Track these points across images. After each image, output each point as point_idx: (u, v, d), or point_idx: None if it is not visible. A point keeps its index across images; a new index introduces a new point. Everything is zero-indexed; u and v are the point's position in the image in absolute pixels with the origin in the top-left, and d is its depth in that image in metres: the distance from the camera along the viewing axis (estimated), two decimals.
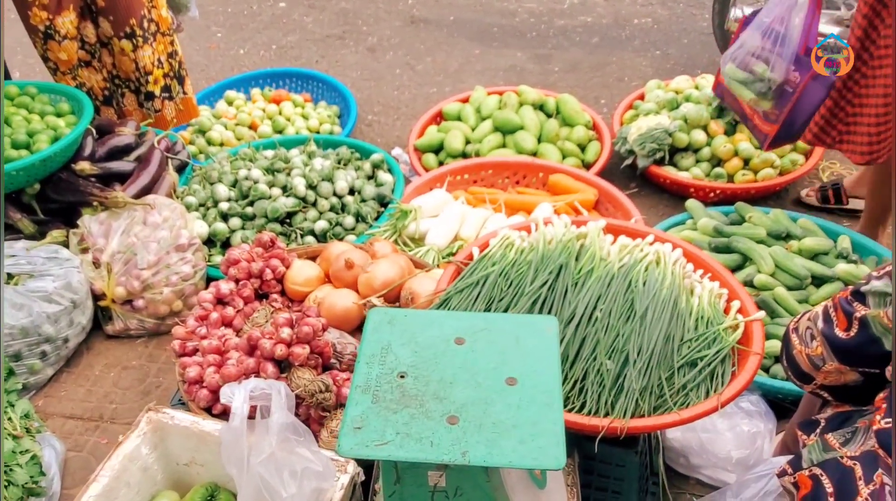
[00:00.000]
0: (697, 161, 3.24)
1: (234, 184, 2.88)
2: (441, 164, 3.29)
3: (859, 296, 1.37)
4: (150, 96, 3.07)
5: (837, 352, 1.43)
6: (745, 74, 2.77)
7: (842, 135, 2.56)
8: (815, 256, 2.49)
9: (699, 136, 3.21)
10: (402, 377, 1.35)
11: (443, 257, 2.50)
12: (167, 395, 2.42)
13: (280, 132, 3.55)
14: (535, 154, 3.23)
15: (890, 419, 1.28)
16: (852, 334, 1.39)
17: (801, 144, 3.17)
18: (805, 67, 2.57)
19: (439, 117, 3.54)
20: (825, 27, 3.46)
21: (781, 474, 1.45)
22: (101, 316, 2.64)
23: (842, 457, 1.34)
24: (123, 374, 2.53)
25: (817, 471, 1.36)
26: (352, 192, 2.86)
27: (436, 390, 1.32)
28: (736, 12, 3.55)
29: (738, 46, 2.82)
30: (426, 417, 1.28)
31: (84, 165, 2.73)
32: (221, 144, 3.48)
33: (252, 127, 3.60)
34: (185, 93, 3.22)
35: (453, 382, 1.34)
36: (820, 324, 1.46)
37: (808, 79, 2.56)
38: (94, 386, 2.49)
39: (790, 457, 1.51)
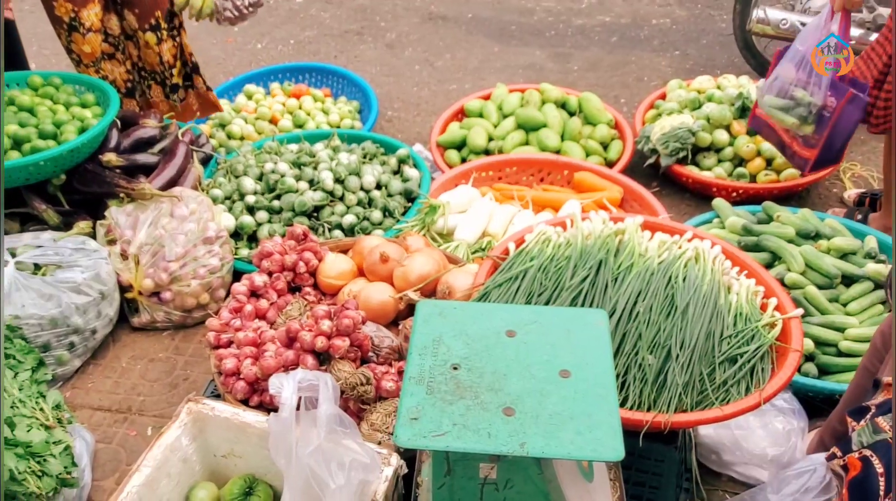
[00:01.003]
0: (720, 161, 3.24)
1: (260, 177, 2.88)
2: (463, 160, 3.29)
3: None
4: (175, 88, 3.07)
5: None
6: (786, 100, 2.80)
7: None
8: (843, 255, 2.49)
9: (722, 135, 3.21)
10: (455, 368, 1.35)
11: (472, 253, 2.50)
12: (194, 388, 2.42)
13: (300, 127, 3.55)
14: (558, 152, 3.23)
15: None
16: None
17: None
18: (841, 92, 2.61)
19: (461, 114, 3.54)
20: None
21: (831, 458, 1.46)
22: (127, 308, 2.64)
23: (892, 438, 1.35)
24: (150, 366, 2.52)
25: (867, 453, 1.37)
26: (378, 187, 2.85)
27: (490, 381, 1.32)
28: (758, 13, 3.55)
29: (774, 79, 2.86)
30: (482, 408, 1.28)
31: (111, 157, 2.73)
32: (242, 138, 3.47)
33: (272, 121, 3.59)
34: (206, 86, 3.22)
35: (507, 374, 1.34)
36: None
37: (843, 103, 2.60)
38: (121, 378, 2.49)
39: (832, 451, 1.51)
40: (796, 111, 2.77)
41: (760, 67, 3.77)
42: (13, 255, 2.41)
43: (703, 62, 4.13)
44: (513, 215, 2.71)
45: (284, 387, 1.46)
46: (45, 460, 1.98)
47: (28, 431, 2.00)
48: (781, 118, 2.84)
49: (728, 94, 3.30)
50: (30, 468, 1.95)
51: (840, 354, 2.27)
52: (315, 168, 2.83)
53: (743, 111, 3.24)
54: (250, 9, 2.98)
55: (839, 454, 1.45)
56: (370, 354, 1.88)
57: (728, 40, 3.97)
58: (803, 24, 3.51)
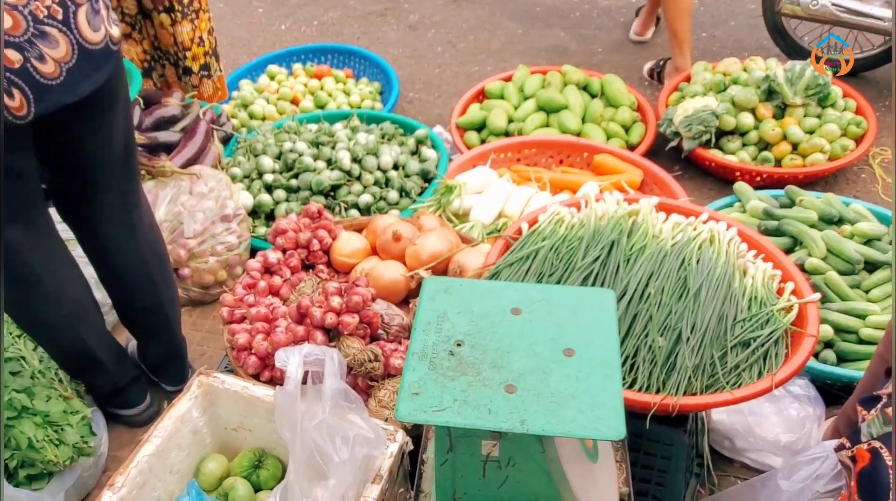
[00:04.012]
0: (744, 145, 3.18)
1: (279, 156, 2.89)
2: (483, 142, 3.27)
3: None
4: (187, 71, 3.07)
5: None
6: None
7: None
8: (868, 241, 2.43)
9: (747, 119, 3.15)
10: (458, 345, 1.34)
11: (487, 234, 2.49)
12: (212, 363, 2.45)
13: (322, 107, 3.55)
14: (578, 134, 3.19)
15: None
16: None
17: (853, 129, 3.11)
18: None
19: (482, 96, 3.52)
20: (878, 10, 3.37)
21: (839, 448, 1.44)
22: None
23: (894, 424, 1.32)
24: None
25: (877, 444, 1.34)
26: (396, 167, 2.85)
27: (493, 359, 1.32)
28: None
29: None
30: (483, 385, 1.27)
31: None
32: (264, 118, 3.49)
33: (294, 102, 3.60)
34: (220, 70, 3.23)
35: (510, 351, 1.33)
36: None
37: None
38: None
39: (841, 441, 1.49)
40: None
41: (790, 49, 3.69)
42: None
43: (730, 44, 4.06)
44: (530, 197, 2.69)
45: (290, 361, 1.47)
46: (62, 429, 2.03)
47: (47, 401, 2.04)
48: None
49: (755, 76, 3.23)
50: (48, 436, 1.99)
51: (861, 341, 2.23)
52: (333, 148, 2.84)
53: (770, 94, 3.18)
54: None
55: (848, 444, 1.42)
56: (380, 331, 1.88)
57: (757, 22, 3.88)
58: (835, 5, 3.43)
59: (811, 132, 3.12)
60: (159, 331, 2.23)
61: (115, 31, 1.65)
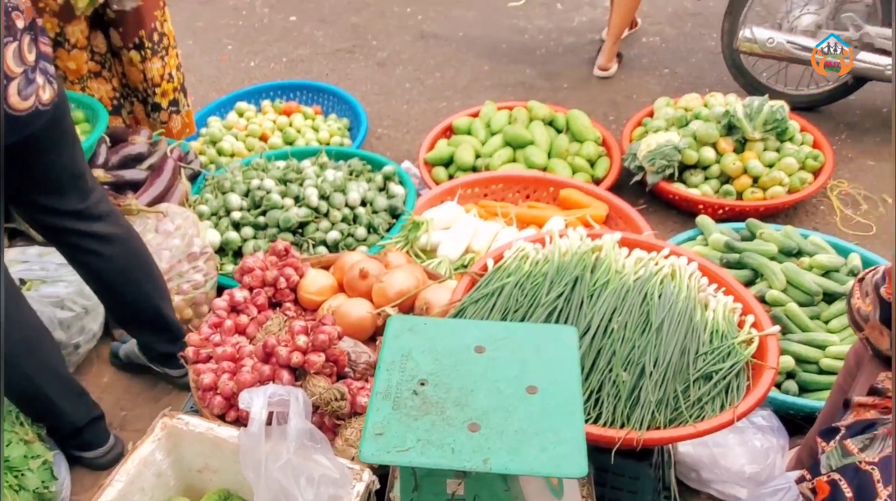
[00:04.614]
0: (706, 178, 3.25)
1: (247, 194, 2.90)
2: (451, 177, 3.30)
3: None
4: (156, 107, 3.07)
5: (881, 310, 1.47)
6: None
7: None
8: (826, 273, 2.49)
9: (708, 153, 3.22)
10: (422, 384, 1.35)
11: (454, 270, 2.51)
12: (178, 402, 2.42)
13: (291, 144, 3.57)
14: (545, 169, 3.24)
15: None
16: None
17: (810, 162, 3.19)
18: None
19: (449, 131, 3.56)
20: None
21: (800, 480, 1.46)
22: (111, 323, 2.64)
23: (860, 462, 1.35)
24: (134, 381, 2.53)
25: (836, 476, 1.37)
26: (364, 203, 2.87)
27: (457, 397, 1.33)
28: (745, 32, 3.58)
29: None
30: (447, 424, 1.28)
31: (98, 173, 2.74)
32: (232, 155, 3.49)
33: (263, 138, 3.61)
34: (189, 105, 3.23)
35: (474, 389, 1.34)
36: (877, 279, 1.49)
37: None
38: (105, 393, 2.49)
39: (802, 473, 1.51)
40: None
41: (749, 85, 3.79)
42: None
43: (691, 80, 4.16)
44: (497, 232, 2.71)
45: (254, 402, 1.46)
46: (22, 474, 1.99)
47: (7, 445, 2.00)
48: None
49: (715, 112, 3.32)
50: (7, 482, 1.95)
51: (821, 371, 2.27)
52: (301, 185, 2.85)
53: (730, 129, 3.26)
54: None
55: (808, 476, 1.44)
56: (347, 369, 1.88)
57: (717, 59, 3.99)
58: (790, 43, 3.53)
59: (771, 166, 3.20)
60: (153, 323, 2.27)
61: (47, 95, 1.74)
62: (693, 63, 4.35)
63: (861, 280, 1.55)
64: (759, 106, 3.21)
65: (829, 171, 3.21)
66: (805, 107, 3.74)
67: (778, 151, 3.24)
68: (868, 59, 3.43)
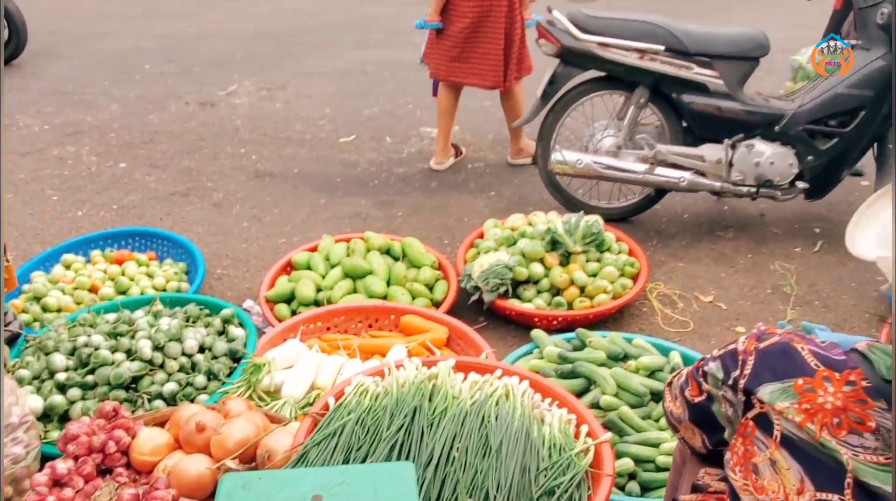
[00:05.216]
0: (538, 292, 3.44)
1: (73, 352, 2.74)
2: (294, 313, 3.30)
3: (703, 374, 1.50)
4: None
5: (689, 411, 1.55)
6: None
7: None
8: (651, 373, 2.67)
9: (537, 268, 3.42)
10: None
11: (300, 409, 2.47)
12: None
13: (124, 293, 3.44)
14: (385, 297, 3.31)
15: None
16: (700, 399, 1.51)
17: (628, 269, 3.46)
18: None
19: (289, 267, 3.58)
20: (631, 165, 3.87)
21: None
22: None
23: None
24: None
25: None
26: (202, 350, 2.79)
27: None
28: (556, 155, 3.91)
29: None
30: None
31: None
32: (59, 310, 3.31)
33: (93, 290, 3.46)
34: (8, 260, 3.07)
35: None
36: (681, 382, 1.59)
37: None
38: None
39: None
40: None
41: (567, 202, 4.11)
42: None
43: (516, 201, 4.45)
44: (341, 365, 2.71)
45: None
46: None
47: None
48: None
49: (539, 229, 3.56)
50: None
51: (658, 469, 2.38)
52: (133, 337, 2.74)
53: (554, 244, 3.49)
54: None
55: None
56: None
57: (537, 179, 4.31)
58: (597, 163, 3.89)
59: (594, 275, 3.44)
60: None
61: None
62: (516, 184, 4.67)
63: (670, 384, 1.68)
64: (577, 221, 3.48)
65: (646, 275, 3.50)
66: (618, 218, 4.09)
67: (599, 261, 3.50)
68: (664, 173, 3.86)
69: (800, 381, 1.30)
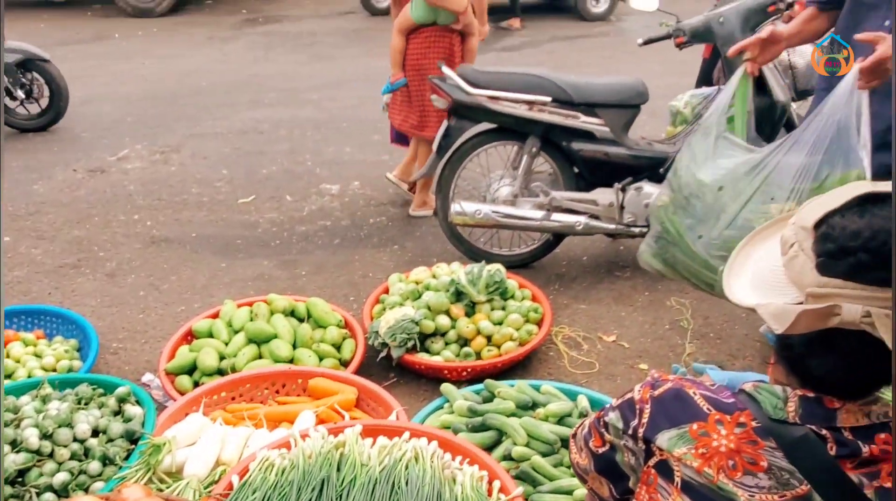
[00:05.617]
0: (446, 344, 3.44)
1: None
2: (196, 384, 3.18)
3: (605, 425, 1.51)
4: None
5: (594, 462, 1.55)
6: None
7: None
8: (560, 419, 2.70)
9: (443, 320, 3.44)
10: None
11: (204, 488, 2.36)
12: None
13: (9, 377, 3.23)
14: (292, 361, 3.24)
15: None
16: (604, 450, 1.52)
17: (533, 315, 3.51)
18: None
19: (190, 336, 3.46)
20: (528, 212, 3.96)
21: None
22: None
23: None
24: None
25: None
26: (96, 433, 2.65)
27: None
28: (455, 207, 3.97)
29: None
30: None
31: None
32: None
33: None
34: None
35: None
36: (585, 434, 1.59)
37: None
38: None
39: None
40: None
41: (469, 251, 4.17)
42: None
43: (420, 253, 4.47)
44: (248, 437, 2.62)
45: None
46: None
47: None
48: None
49: (443, 281, 3.58)
50: None
51: None
52: (18, 426, 2.57)
53: (458, 295, 3.51)
54: None
55: None
56: None
57: (439, 230, 4.35)
58: (495, 212, 3.97)
59: (500, 323, 3.47)
60: None
61: None
62: (418, 236, 4.69)
63: (574, 436, 1.71)
64: (479, 271, 3.53)
65: (550, 320, 3.56)
66: (519, 264, 4.17)
67: (504, 309, 3.54)
68: (560, 218, 3.97)
69: (694, 426, 1.34)
